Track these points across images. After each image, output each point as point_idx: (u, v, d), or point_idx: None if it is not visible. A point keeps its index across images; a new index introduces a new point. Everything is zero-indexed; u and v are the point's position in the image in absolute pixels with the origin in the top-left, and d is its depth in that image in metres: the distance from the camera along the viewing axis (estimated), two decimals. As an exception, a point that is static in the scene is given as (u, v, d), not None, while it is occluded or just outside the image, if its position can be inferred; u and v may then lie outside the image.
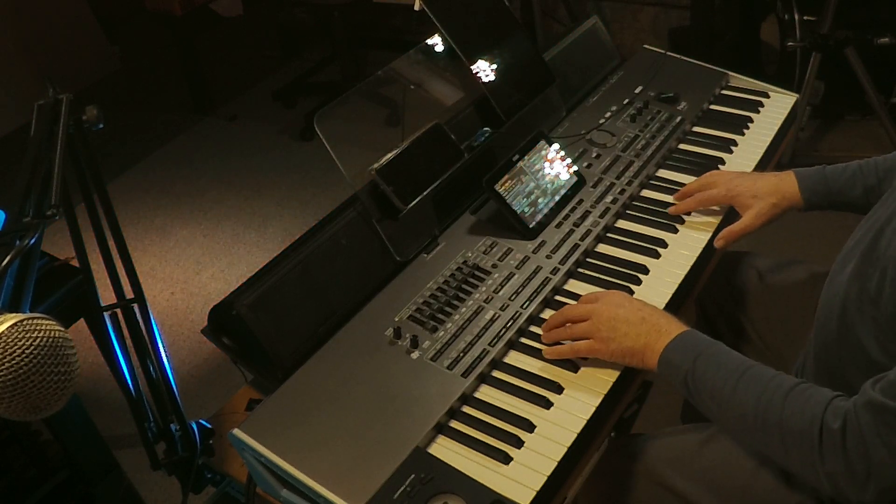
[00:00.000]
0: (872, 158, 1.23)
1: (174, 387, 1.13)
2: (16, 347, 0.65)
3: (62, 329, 0.68)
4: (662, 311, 1.06)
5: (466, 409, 1.03)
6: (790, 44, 2.65)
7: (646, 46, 1.77)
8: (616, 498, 1.16)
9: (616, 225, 1.33)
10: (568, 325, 1.08)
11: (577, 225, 1.30)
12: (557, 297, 1.19)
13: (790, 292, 1.34)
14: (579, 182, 1.38)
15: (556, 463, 0.95)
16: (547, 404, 1.02)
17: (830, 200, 1.24)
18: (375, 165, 1.22)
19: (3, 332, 0.64)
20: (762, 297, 1.37)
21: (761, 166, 1.45)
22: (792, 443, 0.88)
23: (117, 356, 1.11)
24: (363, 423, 0.98)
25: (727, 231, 1.26)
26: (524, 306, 1.15)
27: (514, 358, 1.10)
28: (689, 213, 1.33)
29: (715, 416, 0.97)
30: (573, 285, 1.21)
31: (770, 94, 1.63)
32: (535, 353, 1.10)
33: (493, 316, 1.13)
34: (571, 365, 1.07)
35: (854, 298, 0.96)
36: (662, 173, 1.44)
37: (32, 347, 0.65)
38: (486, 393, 1.05)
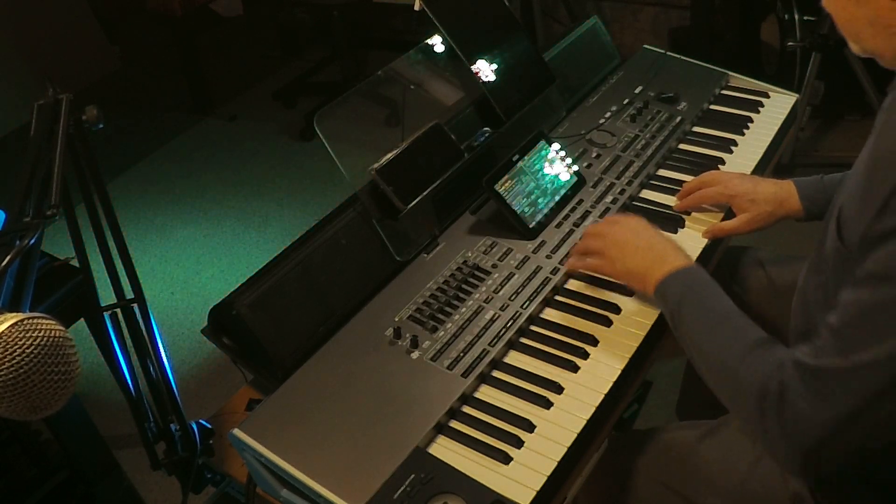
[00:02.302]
0: None
1: (174, 387, 1.13)
2: (16, 347, 0.65)
3: (62, 329, 0.68)
4: (674, 244, 1.09)
5: (466, 409, 1.03)
6: (790, 44, 2.65)
7: (646, 46, 1.77)
8: (615, 493, 1.16)
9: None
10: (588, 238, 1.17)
11: (577, 225, 1.30)
12: (557, 297, 1.19)
13: (792, 286, 1.34)
14: (579, 182, 1.38)
15: (556, 463, 0.95)
16: (547, 404, 1.02)
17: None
18: (375, 165, 1.22)
19: (3, 331, 0.64)
20: (766, 292, 1.37)
21: (761, 166, 1.45)
22: (740, 397, 0.91)
23: (117, 356, 1.11)
24: (363, 423, 0.98)
25: (717, 227, 1.28)
26: (524, 306, 1.15)
27: (514, 358, 1.10)
28: (688, 214, 1.33)
29: (688, 353, 1.01)
30: (573, 285, 1.21)
31: (770, 94, 1.63)
32: (535, 353, 1.10)
33: (493, 316, 1.13)
34: (571, 365, 1.07)
35: (812, 290, 1.00)
36: (662, 173, 1.44)
37: (33, 347, 0.65)
38: (486, 393, 1.05)
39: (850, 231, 0.86)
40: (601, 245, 1.14)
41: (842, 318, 0.82)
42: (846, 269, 0.85)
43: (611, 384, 1.05)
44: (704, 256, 1.26)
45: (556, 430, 0.99)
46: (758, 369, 0.89)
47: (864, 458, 1.00)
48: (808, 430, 0.83)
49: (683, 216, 1.32)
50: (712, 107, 1.61)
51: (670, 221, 1.31)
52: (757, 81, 1.66)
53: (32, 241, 0.78)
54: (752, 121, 1.56)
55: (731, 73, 1.68)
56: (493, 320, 1.13)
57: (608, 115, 1.55)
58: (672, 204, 1.35)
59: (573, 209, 1.33)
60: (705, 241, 1.28)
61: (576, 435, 0.98)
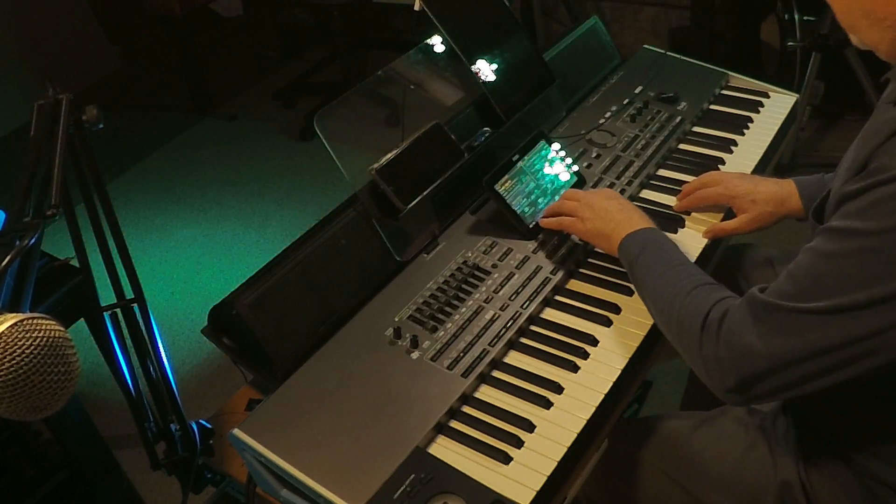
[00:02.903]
0: None
1: (174, 387, 1.13)
2: (16, 347, 0.64)
3: (62, 329, 0.68)
4: (641, 212, 1.17)
5: (466, 409, 1.03)
6: (790, 44, 2.65)
7: (646, 46, 1.77)
8: (617, 482, 1.17)
9: (616, 225, 1.33)
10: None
11: (577, 225, 1.30)
12: (557, 297, 1.19)
13: None
14: (579, 182, 1.37)
15: (556, 463, 0.95)
16: (547, 404, 1.02)
17: None
18: (375, 165, 1.22)
19: (3, 331, 0.64)
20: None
21: (761, 166, 1.45)
22: (684, 331, 0.95)
23: (117, 356, 1.11)
24: (363, 423, 0.98)
25: (718, 227, 1.28)
26: (524, 306, 1.15)
27: (514, 358, 1.10)
28: (688, 214, 1.33)
29: (644, 302, 1.08)
30: (573, 285, 1.21)
31: (770, 94, 1.63)
32: (535, 353, 1.10)
33: (493, 316, 1.13)
34: (571, 365, 1.07)
35: None
36: (662, 173, 1.44)
37: (32, 347, 0.65)
38: (486, 393, 1.05)
39: (831, 207, 0.88)
40: (575, 206, 1.21)
41: (799, 265, 0.85)
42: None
43: (611, 384, 1.05)
44: (704, 256, 1.26)
45: (556, 430, 0.99)
46: (702, 302, 0.94)
47: (851, 444, 1.01)
48: (750, 360, 0.86)
49: (683, 216, 1.32)
50: (712, 107, 1.61)
51: (670, 221, 1.31)
52: (757, 81, 1.66)
53: (32, 241, 0.78)
54: (752, 121, 1.56)
55: (731, 73, 1.68)
56: (493, 320, 1.13)
57: (608, 115, 1.55)
58: (672, 204, 1.35)
59: (573, 209, 1.33)
60: (705, 241, 1.28)
61: (576, 435, 0.98)
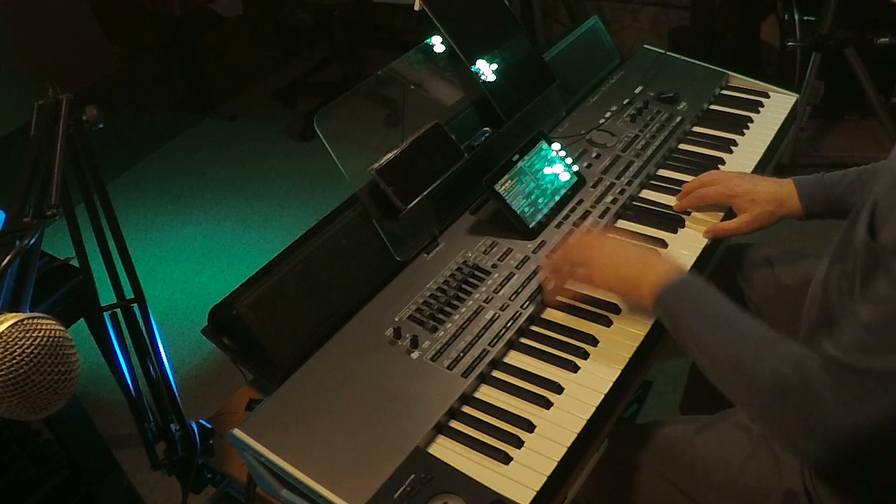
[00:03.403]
0: (871, 164, 1.22)
1: (174, 387, 1.13)
2: (16, 347, 0.64)
3: (62, 329, 0.68)
4: (656, 251, 1.15)
5: (466, 409, 1.03)
6: (790, 44, 2.65)
7: (646, 46, 1.77)
8: (615, 485, 1.17)
9: (616, 225, 1.33)
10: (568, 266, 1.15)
11: (577, 225, 1.30)
12: (558, 297, 1.19)
13: (800, 286, 1.34)
14: (579, 182, 1.38)
15: (557, 463, 0.95)
16: (547, 404, 1.02)
17: (830, 208, 1.24)
18: (375, 165, 1.22)
19: (3, 331, 0.64)
20: (772, 291, 1.37)
21: (761, 166, 1.45)
22: (755, 390, 0.89)
23: (117, 356, 1.11)
24: (363, 424, 0.98)
25: (718, 227, 1.27)
26: (524, 306, 1.15)
27: (514, 358, 1.10)
28: (688, 213, 1.33)
29: (696, 359, 0.99)
30: (574, 285, 1.21)
31: (770, 94, 1.63)
32: (535, 353, 1.10)
33: (493, 316, 1.13)
34: (571, 365, 1.07)
35: (835, 280, 0.98)
36: (662, 173, 1.44)
37: (32, 347, 0.65)
38: (486, 393, 1.05)
39: (886, 228, 0.83)
40: (587, 255, 1.11)
41: (881, 314, 0.79)
42: (876, 263, 0.83)
43: (611, 384, 1.05)
44: (704, 256, 1.26)
45: (557, 430, 0.99)
46: (772, 361, 0.88)
47: (866, 458, 1.00)
48: (842, 432, 0.81)
49: (683, 216, 1.32)
50: (712, 107, 1.61)
51: (670, 221, 1.31)
52: (757, 81, 1.66)
53: (32, 241, 0.78)
54: (752, 121, 1.56)
55: (731, 73, 1.68)
56: (493, 320, 1.13)
57: (608, 115, 1.55)
58: (672, 204, 1.35)
59: (573, 209, 1.33)
60: (705, 241, 1.28)
61: (576, 435, 0.98)
